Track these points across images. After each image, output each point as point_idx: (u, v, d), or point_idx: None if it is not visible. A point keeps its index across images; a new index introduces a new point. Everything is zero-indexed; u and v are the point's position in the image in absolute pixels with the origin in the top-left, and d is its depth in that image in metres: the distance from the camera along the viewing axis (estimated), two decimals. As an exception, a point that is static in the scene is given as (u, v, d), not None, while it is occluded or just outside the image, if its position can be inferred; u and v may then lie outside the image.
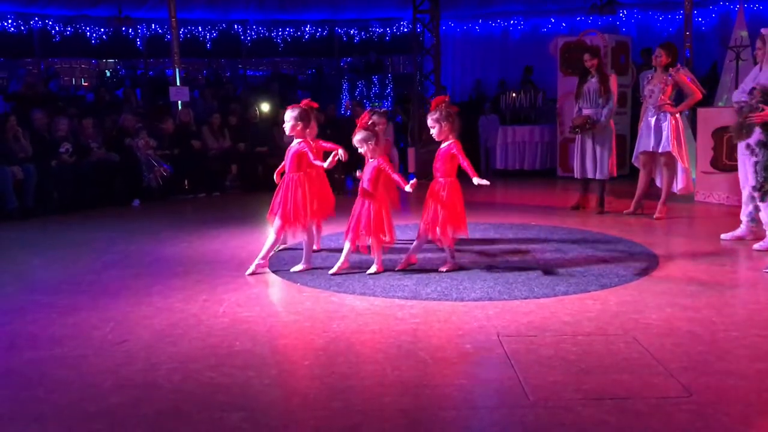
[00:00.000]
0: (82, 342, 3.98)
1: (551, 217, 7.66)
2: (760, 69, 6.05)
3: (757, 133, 5.62)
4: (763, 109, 5.49)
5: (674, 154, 7.12)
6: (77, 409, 3.12)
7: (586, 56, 7.64)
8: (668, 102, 7.15)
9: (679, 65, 7.40)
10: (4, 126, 8.50)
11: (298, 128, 5.40)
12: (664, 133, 7.14)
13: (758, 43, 6.08)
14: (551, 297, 4.63)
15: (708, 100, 8.54)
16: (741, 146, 5.99)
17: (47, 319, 4.41)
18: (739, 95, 6.05)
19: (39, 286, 5.26)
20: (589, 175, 7.72)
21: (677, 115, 7.17)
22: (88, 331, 4.17)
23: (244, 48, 15.94)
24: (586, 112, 7.60)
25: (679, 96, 7.29)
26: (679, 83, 7.13)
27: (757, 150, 5.67)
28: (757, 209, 6.03)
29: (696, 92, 7.16)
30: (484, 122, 12.75)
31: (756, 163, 5.71)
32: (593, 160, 7.64)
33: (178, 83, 11.45)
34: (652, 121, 7.22)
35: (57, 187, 8.70)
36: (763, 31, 6.09)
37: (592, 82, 7.60)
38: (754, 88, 5.70)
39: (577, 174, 7.86)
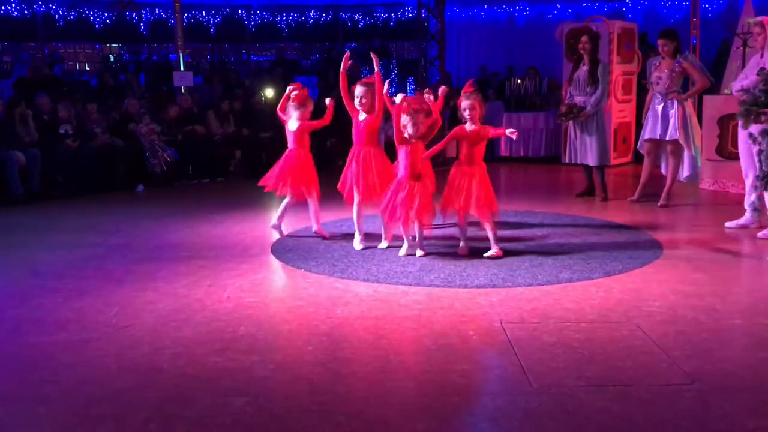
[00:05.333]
0: (86, 326, 4.00)
1: (555, 204, 7.65)
2: (761, 55, 6.04)
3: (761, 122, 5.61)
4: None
5: (681, 141, 7.10)
6: (82, 393, 3.14)
7: (584, 38, 7.59)
8: (676, 89, 7.12)
9: (687, 52, 7.35)
10: (13, 110, 8.50)
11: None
12: (671, 121, 7.11)
13: (757, 29, 6.07)
14: (555, 284, 4.63)
15: (714, 88, 8.49)
16: (743, 135, 5.97)
17: (52, 304, 4.43)
18: (739, 84, 6.05)
19: (44, 271, 5.27)
20: (578, 161, 7.75)
21: (684, 103, 7.14)
22: (92, 315, 4.19)
23: (248, 33, 15.87)
24: (577, 99, 7.62)
25: (686, 83, 7.25)
26: (687, 70, 7.10)
27: (760, 139, 5.65)
28: (760, 198, 6.02)
29: (704, 80, 7.13)
30: (489, 109, 12.66)
31: (760, 152, 5.69)
32: (581, 146, 7.66)
33: (182, 68, 11.42)
34: (659, 108, 7.19)
35: (62, 172, 8.71)
36: (759, 18, 6.10)
37: (583, 69, 7.59)
38: (762, 68, 5.68)
39: (567, 159, 7.95)
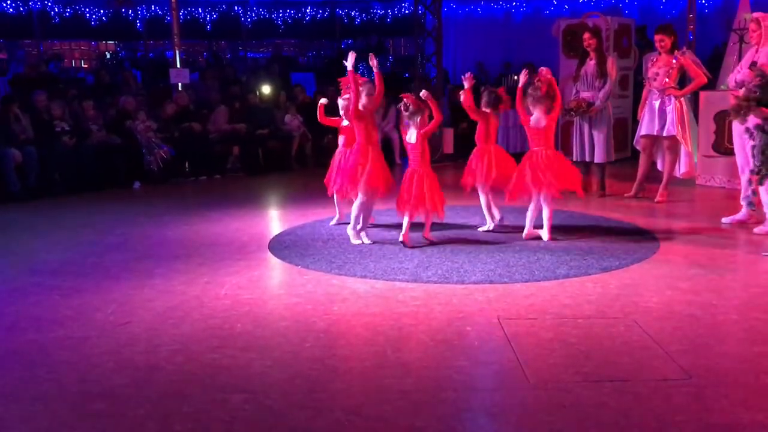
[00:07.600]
0: (84, 324, 4.00)
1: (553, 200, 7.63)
2: (756, 51, 6.06)
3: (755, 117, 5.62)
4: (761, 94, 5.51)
5: (678, 137, 7.10)
6: (80, 390, 3.15)
7: (587, 35, 7.54)
8: (672, 85, 7.12)
9: (684, 48, 7.34)
10: (6, 108, 8.48)
11: None
12: (669, 117, 7.11)
13: (752, 26, 6.11)
14: (552, 280, 4.64)
15: (711, 84, 8.51)
16: (739, 130, 5.99)
17: (50, 301, 4.43)
18: (734, 77, 6.07)
19: (41, 268, 5.26)
20: (587, 158, 7.70)
21: (681, 99, 7.14)
22: (90, 313, 4.19)
23: (244, 30, 15.85)
24: (584, 95, 7.53)
25: (683, 79, 7.24)
26: (685, 66, 7.09)
27: (755, 134, 5.66)
28: (754, 193, 6.03)
29: (701, 76, 7.12)
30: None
31: (753, 146, 5.70)
32: (590, 143, 7.61)
33: (178, 65, 11.39)
34: (656, 104, 7.19)
35: (59, 169, 8.69)
36: (755, 15, 6.14)
37: (590, 64, 7.53)
38: (754, 63, 5.70)
39: (575, 156, 7.83)
